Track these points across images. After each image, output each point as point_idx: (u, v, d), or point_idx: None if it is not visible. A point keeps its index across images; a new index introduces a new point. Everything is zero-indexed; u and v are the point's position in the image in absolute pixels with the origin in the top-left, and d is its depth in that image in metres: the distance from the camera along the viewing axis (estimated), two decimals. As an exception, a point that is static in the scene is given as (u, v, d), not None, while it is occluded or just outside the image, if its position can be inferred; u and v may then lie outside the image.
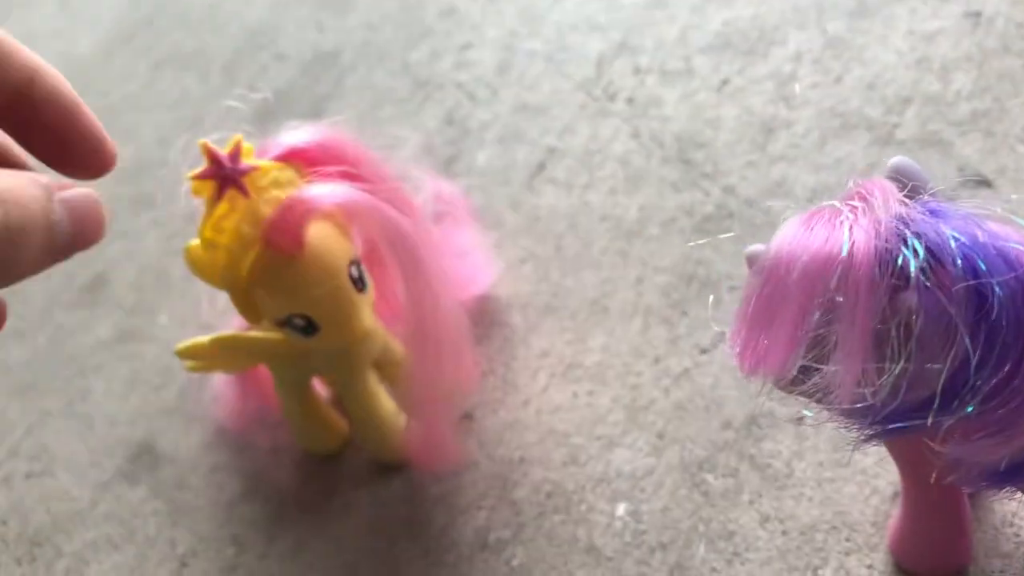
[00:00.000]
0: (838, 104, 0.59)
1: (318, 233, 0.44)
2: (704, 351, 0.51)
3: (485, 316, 0.56)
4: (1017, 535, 0.40)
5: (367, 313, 0.47)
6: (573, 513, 0.47)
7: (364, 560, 0.49)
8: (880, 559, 0.41)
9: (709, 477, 0.46)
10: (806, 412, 0.31)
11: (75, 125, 0.28)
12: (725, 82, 0.63)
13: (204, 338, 0.50)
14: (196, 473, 0.56)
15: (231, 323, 0.55)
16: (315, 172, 0.44)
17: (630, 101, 0.65)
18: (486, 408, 0.53)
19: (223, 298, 0.55)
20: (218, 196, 0.41)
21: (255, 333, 0.49)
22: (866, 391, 0.28)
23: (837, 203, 0.29)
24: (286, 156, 0.44)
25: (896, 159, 0.30)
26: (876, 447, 0.43)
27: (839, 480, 0.44)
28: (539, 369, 0.53)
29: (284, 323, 0.45)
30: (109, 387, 0.63)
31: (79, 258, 0.75)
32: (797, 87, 0.61)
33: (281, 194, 0.43)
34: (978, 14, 0.59)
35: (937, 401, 0.27)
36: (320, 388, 0.54)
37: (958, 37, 0.59)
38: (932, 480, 0.35)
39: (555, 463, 0.49)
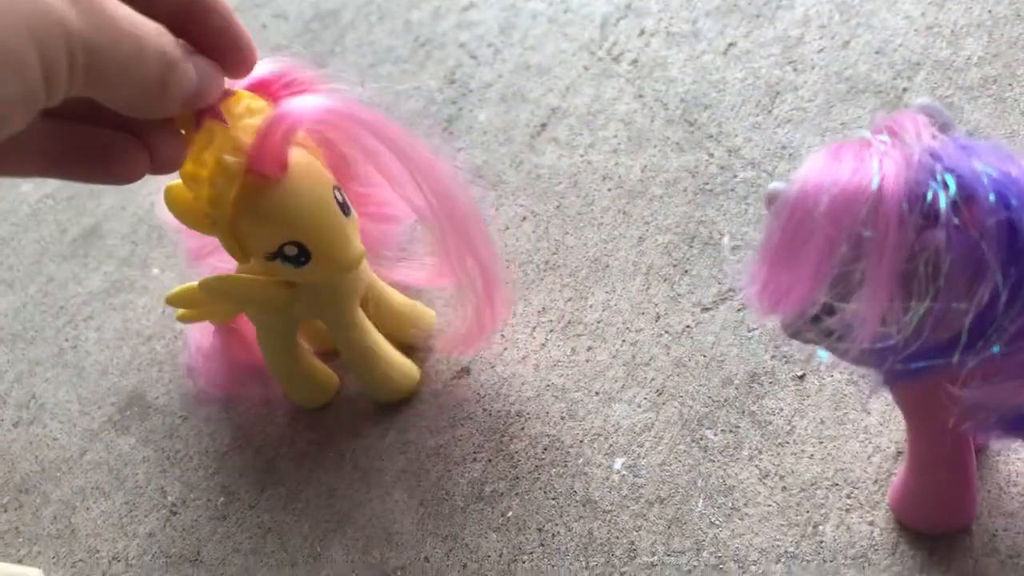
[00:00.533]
0: (845, 69, 0.58)
1: (297, 158, 0.43)
2: (706, 309, 0.50)
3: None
4: (1022, 495, 0.40)
5: (356, 237, 0.45)
6: (570, 466, 0.47)
7: (356, 510, 0.48)
8: (882, 516, 0.41)
9: (709, 433, 0.46)
10: (820, 355, 0.30)
11: (230, 31, 0.35)
12: (731, 45, 0.63)
13: (193, 283, 0.48)
14: (187, 423, 0.56)
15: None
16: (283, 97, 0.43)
17: (635, 62, 0.65)
18: (483, 363, 0.52)
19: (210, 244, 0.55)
20: (197, 125, 0.40)
21: (244, 275, 0.48)
22: (890, 330, 0.27)
23: (867, 134, 0.28)
24: (254, 87, 0.43)
25: (922, 99, 0.29)
26: (881, 404, 0.42)
27: (841, 438, 0.43)
28: (538, 325, 0.53)
29: (275, 255, 0.44)
30: (100, 337, 0.63)
31: (71, 210, 0.74)
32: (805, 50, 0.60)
33: (256, 121, 0.41)
34: (989, -18, 0.59)
35: (963, 340, 0.27)
36: (305, 343, 0.54)
37: (969, 3, 0.58)
38: (946, 429, 0.34)
39: (552, 417, 0.49)
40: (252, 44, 0.36)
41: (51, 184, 0.76)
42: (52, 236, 0.72)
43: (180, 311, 0.51)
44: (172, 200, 0.43)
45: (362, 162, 0.46)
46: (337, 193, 0.44)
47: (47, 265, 0.69)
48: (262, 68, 0.43)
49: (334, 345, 0.51)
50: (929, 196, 0.26)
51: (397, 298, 0.53)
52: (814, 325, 0.30)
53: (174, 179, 0.43)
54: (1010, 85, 0.53)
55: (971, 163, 0.26)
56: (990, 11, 0.57)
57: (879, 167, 0.27)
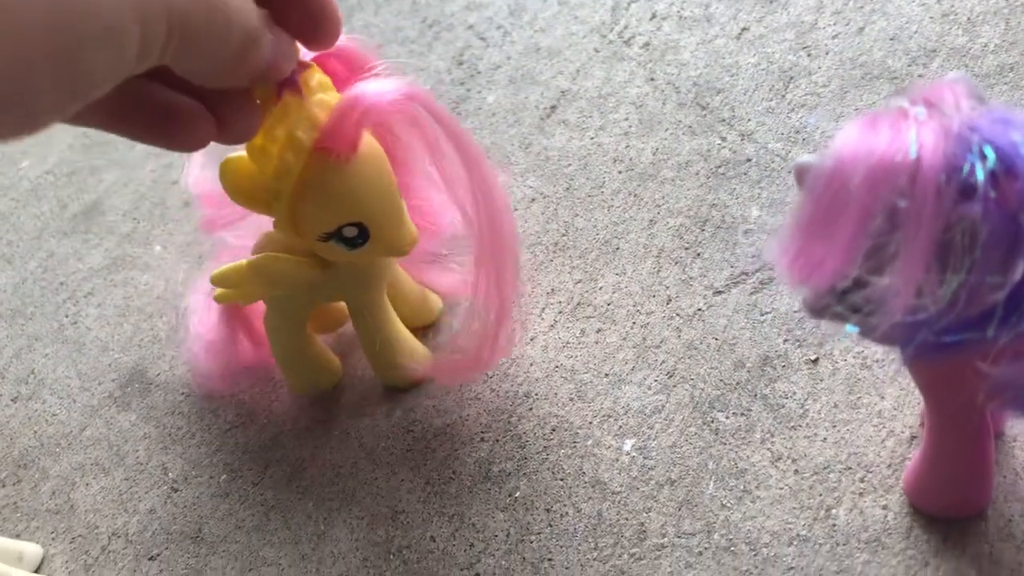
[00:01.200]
0: (860, 55, 0.58)
1: (369, 138, 0.42)
2: (718, 292, 0.50)
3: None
4: (1036, 479, 0.39)
5: (410, 220, 0.45)
6: (579, 447, 0.46)
7: (362, 489, 0.48)
8: (896, 500, 0.40)
9: (720, 416, 0.45)
10: (849, 328, 0.30)
11: (317, 2, 0.34)
12: (744, 29, 0.62)
13: (240, 262, 0.47)
14: (189, 400, 0.55)
15: (220, 257, 0.53)
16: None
17: (646, 46, 0.64)
18: (491, 343, 0.51)
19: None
20: (277, 97, 0.39)
21: (290, 256, 0.46)
22: (924, 302, 0.26)
23: (904, 103, 0.28)
24: (318, 60, 0.42)
25: (955, 73, 0.29)
26: (895, 389, 0.42)
27: (854, 422, 0.43)
28: (546, 307, 0.52)
29: (331, 235, 0.43)
30: (101, 313, 0.62)
31: (73, 185, 0.73)
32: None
33: (329, 97, 0.40)
34: (1005, -30, 0.58)
35: (999, 313, 0.26)
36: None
37: (985, -8, 0.58)
38: (968, 411, 0.34)
39: (561, 398, 0.48)
40: (337, 15, 0.35)
41: (51, 160, 0.75)
42: (53, 212, 0.71)
43: (219, 291, 0.50)
44: (229, 172, 0.41)
45: (422, 156, 0.45)
46: (394, 176, 0.44)
47: (47, 241, 0.69)
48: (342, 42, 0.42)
49: (353, 326, 0.50)
50: (966, 168, 0.26)
51: (409, 283, 0.52)
52: (844, 299, 0.29)
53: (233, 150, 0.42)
54: (1027, 73, 0.53)
55: (1010, 135, 0.26)
56: (1006, -1, 0.57)
57: (916, 137, 0.26)
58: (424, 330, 0.53)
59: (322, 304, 0.51)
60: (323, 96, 0.40)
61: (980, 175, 0.26)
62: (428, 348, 0.51)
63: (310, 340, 0.52)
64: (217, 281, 0.48)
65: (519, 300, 0.47)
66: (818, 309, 0.31)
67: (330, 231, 0.43)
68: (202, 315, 0.53)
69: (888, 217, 0.26)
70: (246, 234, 0.50)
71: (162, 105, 0.33)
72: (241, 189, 0.42)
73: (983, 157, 0.26)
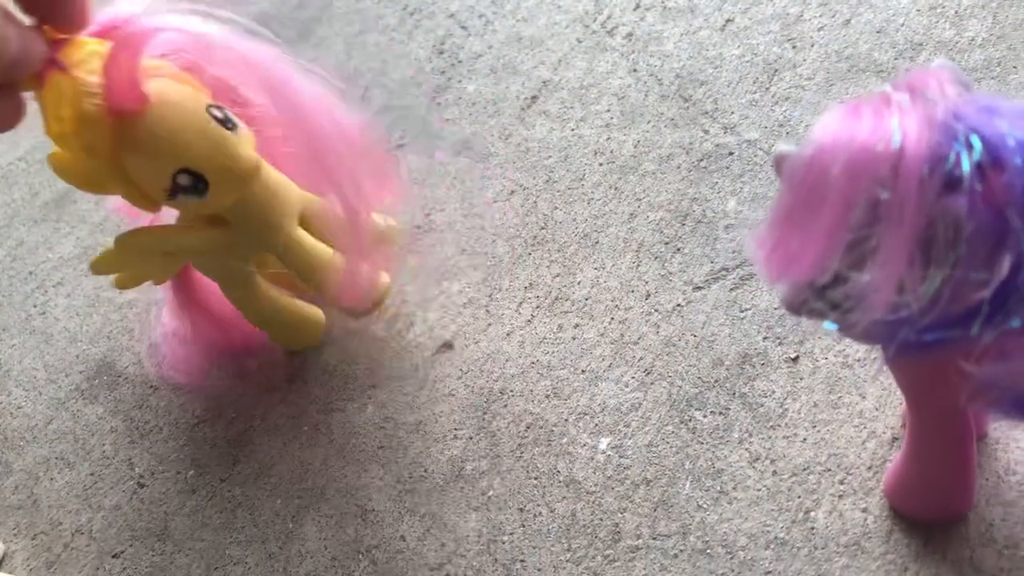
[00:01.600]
0: (846, 47, 0.57)
1: (160, 86, 0.41)
2: (697, 288, 0.49)
3: (468, 246, 0.54)
4: (1020, 483, 0.38)
5: (247, 148, 0.43)
6: (554, 446, 0.45)
7: (331, 486, 0.47)
8: (876, 503, 0.39)
9: (698, 414, 0.44)
10: (828, 325, 0.29)
11: None
12: (729, 21, 0.61)
13: (109, 246, 0.46)
14: (157, 394, 0.54)
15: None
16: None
17: (629, 36, 0.63)
18: (467, 338, 0.50)
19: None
20: (40, 81, 0.37)
21: (158, 225, 0.45)
22: (905, 299, 0.25)
23: (887, 90, 0.27)
24: (103, 32, 0.40)
25: (940, 60, 0.28)
26: (877, 389, 0.41)
27: (834, 422, 0.42)
28: (524, 301, 0.51)
29: (174, 191, 0.42)
30: (70, 304, 0.60)
31: (44, 173, 0.72)
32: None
33: (96, 62, 0.38)
34: (994, -37, 0.57)
35: (984, 311, 0.25)
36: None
37: (973, -15, 0.57)
38: (950, 412, 0.33)
39: (537, 395, 0.47)
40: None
41: (23, 147, 0.74)
42: (23, 200, 0.69)
43: (114, 277, 0.48)
44: (58, 167, 0.41)
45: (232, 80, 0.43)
46: (215, 110, 0.42)
47: (17, 229, 0.67)
48: (112, 12, 0.40)
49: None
50: (952, 158, 0.25)
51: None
52: (823, 296, 0.28)
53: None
54: (1014, 67, 0.52)
55: (996, 124, 0.25)
56: (995, -7, 0.56)
57: (900, 125, 0.25)
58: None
59: (259, 267, 0.49)
60: (91, 64, 0.38)
61: (966, 166, 0.25)
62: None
63: (275, 297, 0.50)
64: (97, 270, 0.47)
65: (368, 205, 0.45)
66: (796, 305, 0.30)
67: (167, 187, 0.41)
68: (167, 307, 0.52)
69: (869, 209, 0.25)
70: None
71: None
72: (77, 178, 0.41)
73: (969, 147, 0.25)
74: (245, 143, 0.43)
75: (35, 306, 0.61)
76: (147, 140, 0.40)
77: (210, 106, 0.42)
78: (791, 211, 0.27)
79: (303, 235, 0.47)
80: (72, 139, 0.39)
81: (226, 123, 0.42)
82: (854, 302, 0.26)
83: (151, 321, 0.54)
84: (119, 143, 0.40)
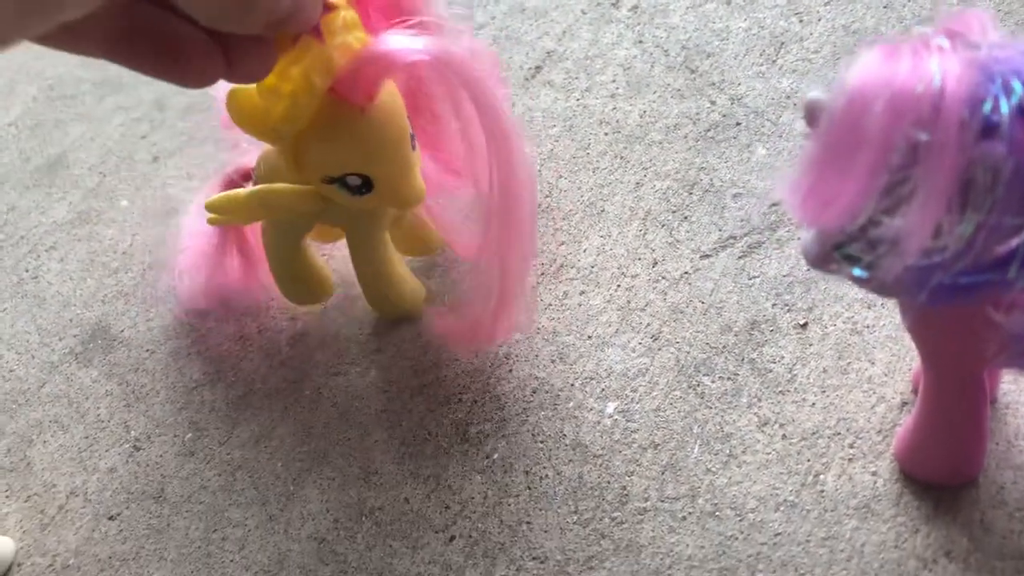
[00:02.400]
0: (853, 22, 0.57)
1: (389, 88, 0.41)
2: (705, 256, 0.48)
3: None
4: (1030, 446, 0.38)
5: (419, 175, 0.43)
6: (560, 410, 0.44)
7: (334, 449, 0.46)
8: (885, 467, 0.39)
9: (706, 379, 0.44)
10: (856, 272, 0.28)
11: None
12: (735, -5, 0.61)
13: (241, 191, 0.45)
14: (154, 357, 0.53)
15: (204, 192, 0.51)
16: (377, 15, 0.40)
17: (635, 8, 0.62)
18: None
19: (187, 184, 0.52)
20: (294, 39, 0.37)
21: (289, 187, 0.44)
22: (941, 243, 0.25)
23: (927, 31, 0.26)
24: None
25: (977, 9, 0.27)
26: (886, 355, 0.41)
27: (844, 387, 0.42)
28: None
29: (335, 180, 0.41)
30: (63, 268, 0.60)
31: (36, 138, 0.71)
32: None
33: (351, 40, 0.38)
34: (1001, -59, 0.57)
35: (1020, 255, 0.25)
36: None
37: (980, -38, 0.57)
38: (969, 371, 0.33)
39: (542, 360, 0.47)
40: None
41: (15, 112, 0.72)
42: (15, 165, 0.68)
43: (212, 216, 0.48)
44: (237, 104, 0.39)
45: (446, 112, 0.43)
46: (407, 124, 0.42)
47: (8, 194, 0.66)
48: None
49: (350, 254, 0.49)
50: (990, 102, 0.24)
51: (410, 216, 0.50)
52: (853, 242, 0.27)
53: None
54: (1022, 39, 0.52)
55: (1039, 68, 0.25)
56: (1002, -31, 0.56)
57: (940, 67, 0.25)
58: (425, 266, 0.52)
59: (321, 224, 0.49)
60: (346, 39, 0.38)
61: (1004, 109, 0.24)
62: (428, 290, 0.51)
63: (305, 256, 0.49)
64: (213, 208, 0.46)
65: (527, 282, 0.45)
66: (822, 256, 0.29)
67: (333, 176, 0.41)
68: (194, 229, 0.51)
69: (907, 151, 0.25)
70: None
71: (168, 36, 0.30)
72: (248, 122, 0.40)
73: (1009, 91, 0.24)
74: (418, 167, 0.43)
75: (27, 271, 0.60)
76: (350, 137, 0.40)
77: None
78: (828, 153, 0.26)
79: (386, 240, 0.48)
80: (281, 98, 0.38)
81: (412, 140, 0.42)
82: (888, 247, 0.26)
83: (174, 244, 0.53)
84: (320, 122, 0.39)
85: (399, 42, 0.38)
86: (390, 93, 0.41)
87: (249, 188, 0.45)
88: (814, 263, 0.30)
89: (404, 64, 0.38)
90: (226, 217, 0.47)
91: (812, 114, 0.28)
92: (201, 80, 0.31)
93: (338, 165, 0.41)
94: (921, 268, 0.26)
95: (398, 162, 0.41)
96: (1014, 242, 0.25)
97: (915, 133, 0.25)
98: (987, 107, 0.25)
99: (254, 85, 0.38)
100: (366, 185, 0.41)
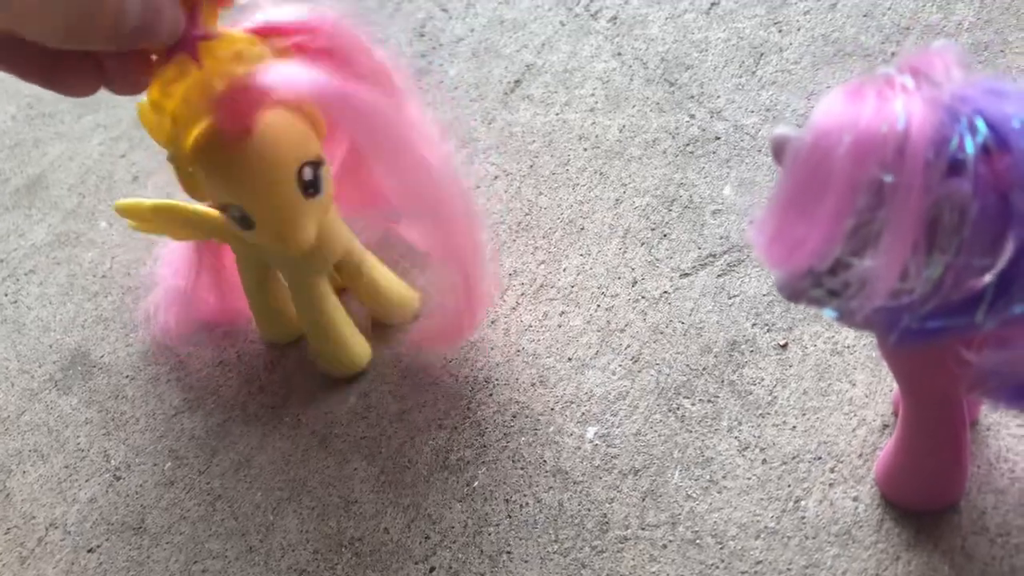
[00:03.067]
0: (832, 31, 0.56)
1: (276, 122, 0.39)
2: (684, 275, 0.48)
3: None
4: (1012, 470, 0.38)
5: (312, 221, 0.41)
6: (540, 435, 0.44)
7: (313, 478, 0.46)
8: (867, 491, 0.39)
9: (686, 402, 0.44)
10: (828, 312, 0.28)
11: None
12: (714, 4, 0.60)
13: (146, 201, 0.46)
14: (133, 384, 0.52)
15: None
16: (295, 49, 0.40)
17: (614, 20, 0.62)
18: (450, 326, 0.49)
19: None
20: (166, 58, 0.37)
21: (197, 207, 0.45)
22: (908, 285, 0.25)
23: (891, 71, 0.26)
24: (261, 30, 0.40)
25: (940, 41, 0.27)
26: (867, 376, 0.41)
27: (824, 410, 0.42)
28: (508, 288, 0.50)
29: (223, 209, 0.42)
30: (43, 292, 0.59)
31: (14, 159, 0.70)
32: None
33: (241, 70, 0.38)
34: (981, -53, 0.57)
35: (988, 297, 0.24)
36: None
37: (960, -32, 0.56)
38: (946, 400, 0.32)
39: (523, 384, 0.46)
40: None
41: (-7, 131, 0.72)
42: (-7, 186, 0.68)
43: (131, 222, 0.49)
44: (142, 116, 0.41)
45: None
46: (307, 170, 0.40)
47: (-13, 216, 0.65)
48: (281, 14, 0.40)
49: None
50: (955, 141, 0.24)
51: (386, 277, 0.49)
52: (823, 283, 0.27)
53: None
54: (1002, 51, 0.52)
55: (1002, 107, 0.24)
56: (982, -24, 0.55)
57: (904, 107, 0.24)
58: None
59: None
60: (235, 68, 0.37)
61: (970, 148, 0.24)
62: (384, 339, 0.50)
63: (274, 294, 0.49)
64: (119, 211, 0.48)
65: (484, 262, 0.45)
66: (796, 293, 0.29)
67: (219, 204, 0.41)
68: (171, 261, 0.51)
69: (873, 193, 0.25)
70: None
71: (48, 54, 0.32)
72: (153, 134, 0.41)
73: (974, 130, 0.24)
74: (314, 214, 0.41)
75: (6, 295, 0.60)
76: (224, 168, 0.39)
77: (306, 164, 0.40)
78: (793, 196, 0.26)
79: (326, 293, 0.47)
80: (165, 115, 0.38)
81: (309, 186, 0.41)
82: (856, 288, 0.26)
83: (152, 276, 0.53)
84: (201, 145, 0.39)
85: (273, 75, 0.38)
86: (282, 130, 0.40)
87: (155, 200, 0.46)
88: (788, 299, 0.30)
89: (275, 93, 0.38)
90: (137, 224, 0.49)
91: (779, 150, 0.28)
92: (77, 92, 0.34)
93: (215, 194, 0.41)
94: (890, 309, 0.26)
95: (275, 202, 0.40)
96: (981, 283, 0.25)
97: (880, 174, 0.25)
98: (952, 147, 0.24)
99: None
100: (245, 220, 0.41)
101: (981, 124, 0.24)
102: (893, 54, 0.54)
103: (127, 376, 0.53)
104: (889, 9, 0.56)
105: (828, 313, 0.28)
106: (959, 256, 0.25)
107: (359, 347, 0.48)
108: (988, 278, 0.25)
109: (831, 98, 0.26)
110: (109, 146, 0.67)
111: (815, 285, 0.28)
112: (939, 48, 0.26)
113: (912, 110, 0.24)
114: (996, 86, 0.25)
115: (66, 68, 0.33)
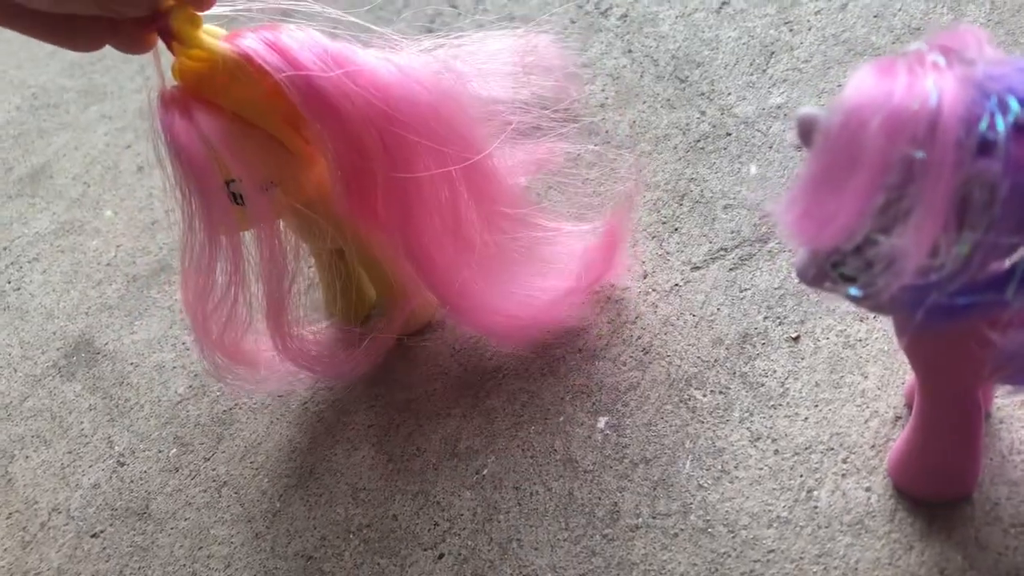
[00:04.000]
0: (843, 31, 0.56)
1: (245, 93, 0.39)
2: (696, 268, 0.48)
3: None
4: (1024, 461, 0.38)
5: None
6: (550, 424, 0.44)
7: (320, 465, 0.45)
8: (879, 482, 0.39)
9: (697, 394, 0.43)
10: (852, 291, 0.28)
11: None
12: (725, 3, 0.60)
13: None
14: (138, 371, 0.52)
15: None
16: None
17: (624, 18, 0.62)
18: (460, 316, 0.49)
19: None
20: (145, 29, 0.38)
21: None
22: (937, 262, 0.25)
23: (922, 47, 0.26)
24: (242, 58, 0.39)
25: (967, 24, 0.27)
26: (879, 368, 0.41)
27: (836, 401, 0.41)
28: (518, 280, 0.50)
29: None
30: (47, 280, 0.59)
31: (20, 147, 0.70)
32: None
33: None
34: (991, -50, 0.57)
35: (1018, 274, 0.24)
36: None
37: (970, -29, 0.56)
38: (963, 388, 0.32)
39: (532, 373, 0.46)
40: None
41: (-2, 120, 0.72)
42: (-3, 174, 0.67)
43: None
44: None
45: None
46: (233, 186, 0.40)
47: (-9, 203, 0.65)
48: (295, 43, 0.39)
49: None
50: (986, 120, 0.24)
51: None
52: (848, 262, 0.27)
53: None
54: (1012, 52, 0.52)
55: (1034, 85, 0.24)
56: (992, -21, 0.56)
57: (936, 84, 0.24)
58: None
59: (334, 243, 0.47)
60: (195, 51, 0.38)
61: (1000, 127, 0.24)
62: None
63: (339, 271, 0.48)
64: None
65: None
66: (816, 275, 0.29)
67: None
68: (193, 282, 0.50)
69: (903, 170, 0.25)
70: None
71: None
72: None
73: (1005, 108, 0.24)
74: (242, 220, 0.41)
75: (9, 282, 0.59)
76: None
77: (229, 182, 0.40)
78: (823, 172, 0.26)
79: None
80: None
81: (236, 199, 0.40)
82: (884, 266, 0.26)
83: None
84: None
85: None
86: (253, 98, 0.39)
87: None
88: (809, 282, 0.30)
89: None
90: None
91: (805, 130, 0.28)
92: (89, 47, 0.36)
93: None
94: (917, 287, 0.26)
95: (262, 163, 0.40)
96: (1010, 261, 0.25)
97: (911, 152, 0.25)
98: (983, 125, 0.24)
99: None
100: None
101: (1013, 103, 0.24)
102: (904, 54, 0.54)
103: (131, 363, 0.53)
104: (900, 10, 0.56)
105: (852, 292, 0.28)
106: (989, 234, 0.25)
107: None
108: (1019, 255, 0.24)
109: (862, 74, 0.26)
110: (114, 136, 0.67)
111: (838, 265, 0.28)
112: (969, 27, 0.26)
113: (944, 87, 0.24)
114: (1024, 65, 0.25)
115: (75, 23, 0.35)
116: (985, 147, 0.24)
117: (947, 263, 0.25)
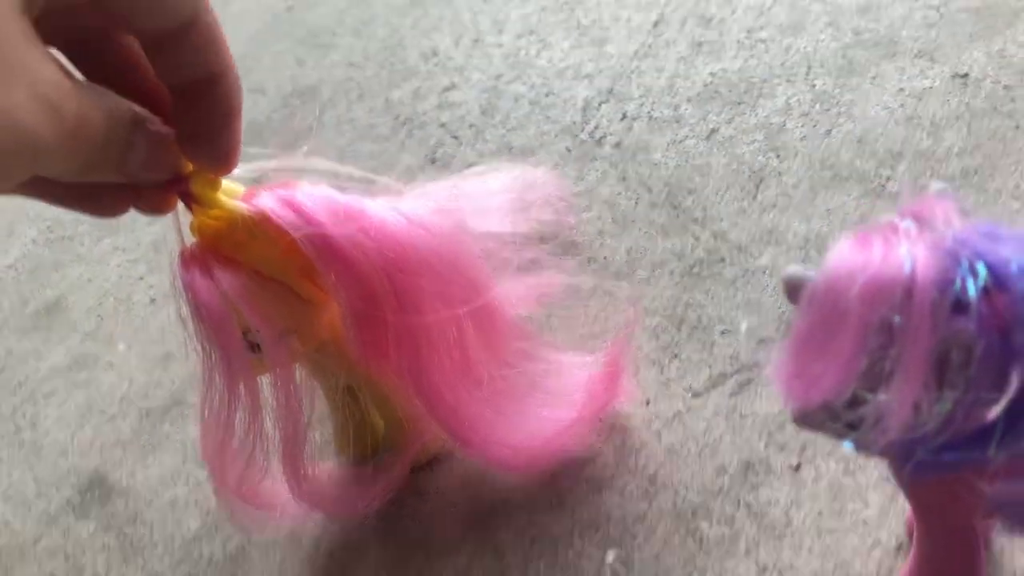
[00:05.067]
0: (828, 156, 0.59)
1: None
2: (696, 394, 0.49)
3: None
4: (1027, 590, 0.39)
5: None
6: (560, 559, 0.45)
7: (333, 604, 0.46)
8: (885, 613, 0.39)
9: (703, 524, 0.44)
10: (846, 445, 0.29)
11: (217, 126, 0.36)
12: (714, 131, 0.63)
13: None
14: (152, 508, 0.53)
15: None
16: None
17: (618, 145, 0.65)
18: (467, 447, 0.50)
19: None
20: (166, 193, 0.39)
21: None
22: (921, 419, 0.26)
23: (894, 219, 0.28)
24: (259, 217, 0.40)
25: (938, 184, 0.29)
26: (880, 496, 0.41)
27: (840, 531, 0.42)
28: (523, 409, 0.51)
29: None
30: (61, 415, 0.60)
31: (35, 281, 0.72)
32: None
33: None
34: (965, 76, 0.60)
35: (999, 430, 0.26)
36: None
37: (946, 97, 0.59)
38: (962, 528, 0.33)
39: (540, 506, 0.47)
40: (234, 150, 0.37)
41: (14, 254, 0.74)
42: (13, 308, 0.69)
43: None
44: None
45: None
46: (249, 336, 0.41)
47: (7, 338, 0.67)
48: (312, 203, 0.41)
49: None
50: (958, 283, 0.26)
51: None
52: (839, 416, 0.28)
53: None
54: (991, 176, 0.54)
55: (999, 250, 0.26)
56: (967, 104, 0.58)
57: (909, 253, 0.26)
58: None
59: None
60: (216, 211, 0.39)
61: (972, 291, 0.26)
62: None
63: (347, 407, 0.48)
64: None
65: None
66: (812, 425, 0.30)
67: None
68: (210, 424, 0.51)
69: (883, 333, 0.26)
70: None
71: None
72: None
73: (975, 273, 0.26)
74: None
75: (24, 417, 0.61)
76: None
77: (247, 332, 0.41)
78: (809, 335, 0.28)
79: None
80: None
81: (253, 348, 0.42)
82: (872, 422, 0.27)
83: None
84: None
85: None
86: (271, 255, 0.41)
87: None
88: (804, 429, 0.31)
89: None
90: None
91: (791, 289, 0.29)
92: (110, 213, 0.37)
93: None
94: (905, 442, 0.27)
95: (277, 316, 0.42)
96: (991, 415, 0.26)
97: (890, 316, 0.26)
98: (956, 287, 0.26)
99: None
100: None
101: (981, 268, 0.26)
102: (888, 178, 0.56)
103: (145, 500, 0.53)
104: (881, 135, 0.58)
105: (846, 445, 0.29)
106: (968, 392, 0.26)
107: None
108: (996, 411, 0.26)
109: (841, 245, 0.28)
110: (127, 268, 0.69)
111: (831, 418, 0.29)
112: (937, 192, 0.28)
113: (916, 255, 0.26)
114: (992, 230, 0.27)
115: (101, 192, 0.36)
116: (959, 309, 0.26)
117: (929, 420, 0.26)
